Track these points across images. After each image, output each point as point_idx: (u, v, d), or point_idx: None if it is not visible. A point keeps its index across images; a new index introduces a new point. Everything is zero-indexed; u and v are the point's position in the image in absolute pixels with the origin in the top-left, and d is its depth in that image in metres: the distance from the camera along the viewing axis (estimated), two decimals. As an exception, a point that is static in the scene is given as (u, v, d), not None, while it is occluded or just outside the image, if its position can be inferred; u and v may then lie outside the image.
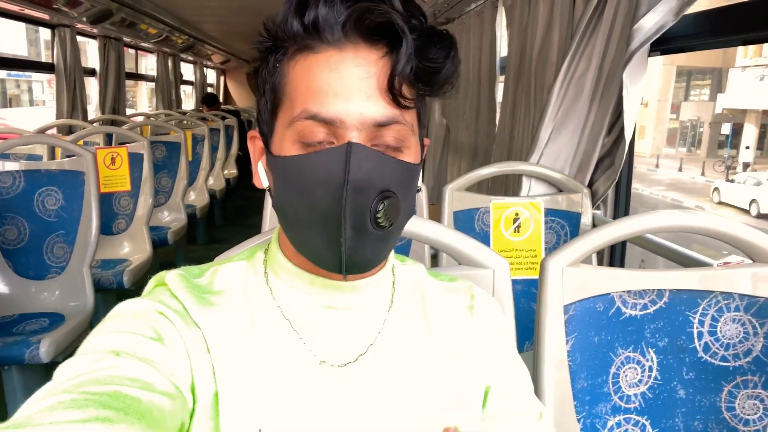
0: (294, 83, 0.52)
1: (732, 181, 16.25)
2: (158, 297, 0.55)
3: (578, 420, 0.85)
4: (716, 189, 16.30)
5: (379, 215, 0.50)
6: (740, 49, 20.49)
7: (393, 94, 0.51)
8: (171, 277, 0.57)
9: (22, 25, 3.81)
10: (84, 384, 0.42)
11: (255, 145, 0.60)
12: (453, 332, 0.63)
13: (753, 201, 14.68)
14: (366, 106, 0.50)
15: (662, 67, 24.15)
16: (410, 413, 0.58)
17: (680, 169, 21.82)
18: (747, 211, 14.74)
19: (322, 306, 0.58)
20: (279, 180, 0.54)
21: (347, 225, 0.49)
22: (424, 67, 0.51)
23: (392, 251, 0.63)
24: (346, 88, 0.50)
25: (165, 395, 0.45)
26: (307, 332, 0.57)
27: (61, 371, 0.45)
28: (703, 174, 20.66)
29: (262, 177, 0.59)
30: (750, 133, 21.10)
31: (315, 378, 0.56)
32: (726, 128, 22.93)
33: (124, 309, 0.53)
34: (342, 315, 0.59)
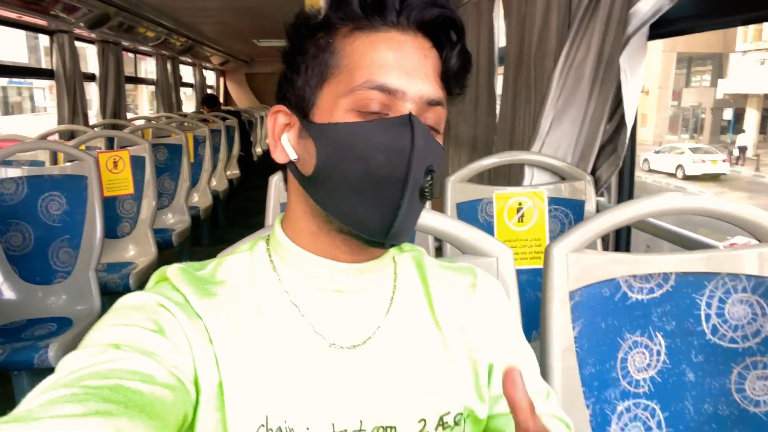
0: (355, 57, 0.55)
1: (658, 152, 19.75)
2: (159, 290, 0.55)
3: (587, 406, 0.85)
4: (646, 160, 19.55)
5: (426, 187, 0.54)
6: (740, 33, 20.50)
7: (447, 79, 0.57)
8: (172, 270, 0.58)
9: (22, 33, 3.81)
10: (85, 378, 0.42)
11: (276, 120, 0.61)
12: (457, 310, 0.64)
13: (679, 166, 18.38)
14: (424, 84, 0.55)
15: (662, 54, 24.05)
16: (419, 392, 0.59)
17: (682, 155, 22.13)
18: (674, 175, 18.42)
19: (330, 290, 0.59)
20: (327, 146, 0.55)
21: (407, 192, 0.53)
22: (462, 64, 0.58)
23: None
24: (409, 65, 0.55)
25: (166, 387, 0.45)
26: (314, 316, 0.58)
27: (62, 365, 0.45)
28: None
29: (287, 150, 0.59)
30: (752, 118, 21.18)
31: (325, 361, 0.57)
32: (728, 113, 23.06)
33: (125, 302, 0.53)
34: (349, 298, 0.60)
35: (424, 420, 0.59)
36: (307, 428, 0.54)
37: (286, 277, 0.59)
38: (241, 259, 0.61)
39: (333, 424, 0.56)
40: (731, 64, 21.68)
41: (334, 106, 0.55)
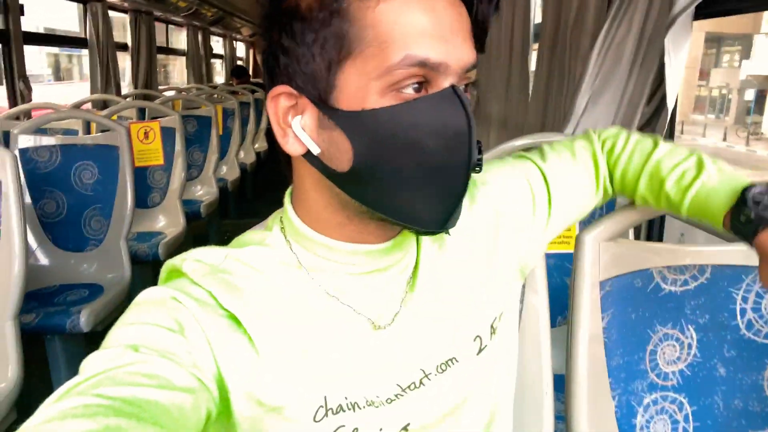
0: (383, 26, 0.46)
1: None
2: (179, 285, 0.52)
3: (613, 397, 0.84)
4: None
5: (480, 161, 0.49)
6: (766, 15, 19.96)
7: (481, 36, 0.50)
8: (189, 265, 0.53)
9: (74, 3, 3.81)
10: (101, 384, 0.40)
11: (278, 104, 0.51)
12: (471, 235, 0.63)
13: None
14: (463, 50, 0.48)
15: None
16: (467, 318, 0.60)
17: (704, 135, 21.98)
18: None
19: (362, 272, 0.56)
20: (365, 138, 0.48)
21: (469, 175, 0.48)
22: (492, 11, 0.51)
23: None
24: (447, 30, 0.47)
25: (185, 391, 0.44)
26: (354, 301, 0.56)
27: (84, 366, 0.44)
28: (724, 140, 20.67)
29: (306, 141, 0.50)
30: None
31: (370, 342, 0.55)
32: (749, 94, 22.77)
33: (146, 297, 0.51)
34: (382, 276, 0.57)
35: (479, 336, 0.61)
36: (377, 396, 0.55)
37: (316, 269, 0.55)
38: (257, 255, 0.56)
39: (398, 385, 0.56)
40: (756, 45, 21.22)
41: (366, 90, 0.47)
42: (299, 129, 0.51)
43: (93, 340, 1.94)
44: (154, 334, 0.46)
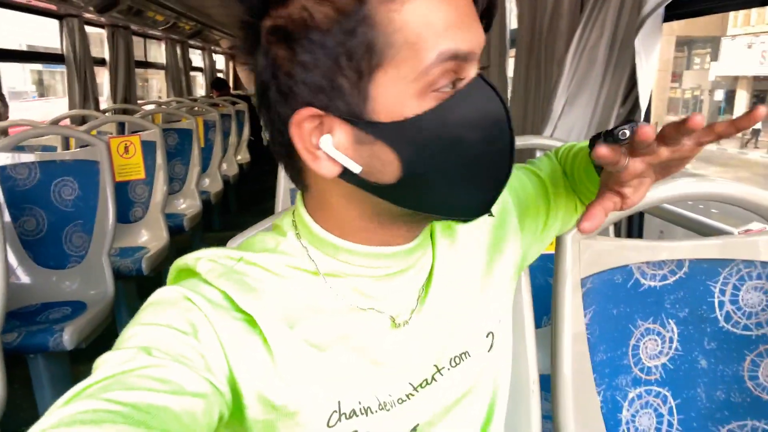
0: (410, 27, 0.44)
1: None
2: (192, 285, 0.51)
3: (598, 392, 0.85)
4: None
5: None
6: (731, 18, 20.96)
7: (491, 15, 0.51)
8: (204, 265, 0.52)
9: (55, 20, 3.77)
10: (111, 387, 0.40)
11: (303, 130, 0.48)
12: (478, 231, 0.65)
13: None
14: (479, 31, 0.48)
15: (662, 38, 24.66)
16: (477, 318, 0.62)
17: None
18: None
19: (385, 275, 0.56)
20: (412, 146, 0.46)
21: (514, 153, 0.49)
22: None
23: None
24: (465, 18, 0.47)
25: (197, 396, 0.43)
26: (374, 303, 0.56)
27: (96, 366, 0.43)
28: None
29: (344, 161, 0.48)
30: (742, 99, 21.80)
31: (387, 341, 0.56)
32: (719, 95, 23.70)
33: (160, 297, 0.50)
34: (403, 276, 0.57)
35: (492, 333, 0.63)
36: (390, 395, 0.55)
37: (332, 270, 0.55)
38: (272, 258, 0.54)
39: (410, 383, 0.57)
40: (723, 48, 22.25)
41: (404, 96, 0.45)
42: (332, 149, 0.48)
43: (77, 357, 1.91)
44: (167, 336, 0.45)
